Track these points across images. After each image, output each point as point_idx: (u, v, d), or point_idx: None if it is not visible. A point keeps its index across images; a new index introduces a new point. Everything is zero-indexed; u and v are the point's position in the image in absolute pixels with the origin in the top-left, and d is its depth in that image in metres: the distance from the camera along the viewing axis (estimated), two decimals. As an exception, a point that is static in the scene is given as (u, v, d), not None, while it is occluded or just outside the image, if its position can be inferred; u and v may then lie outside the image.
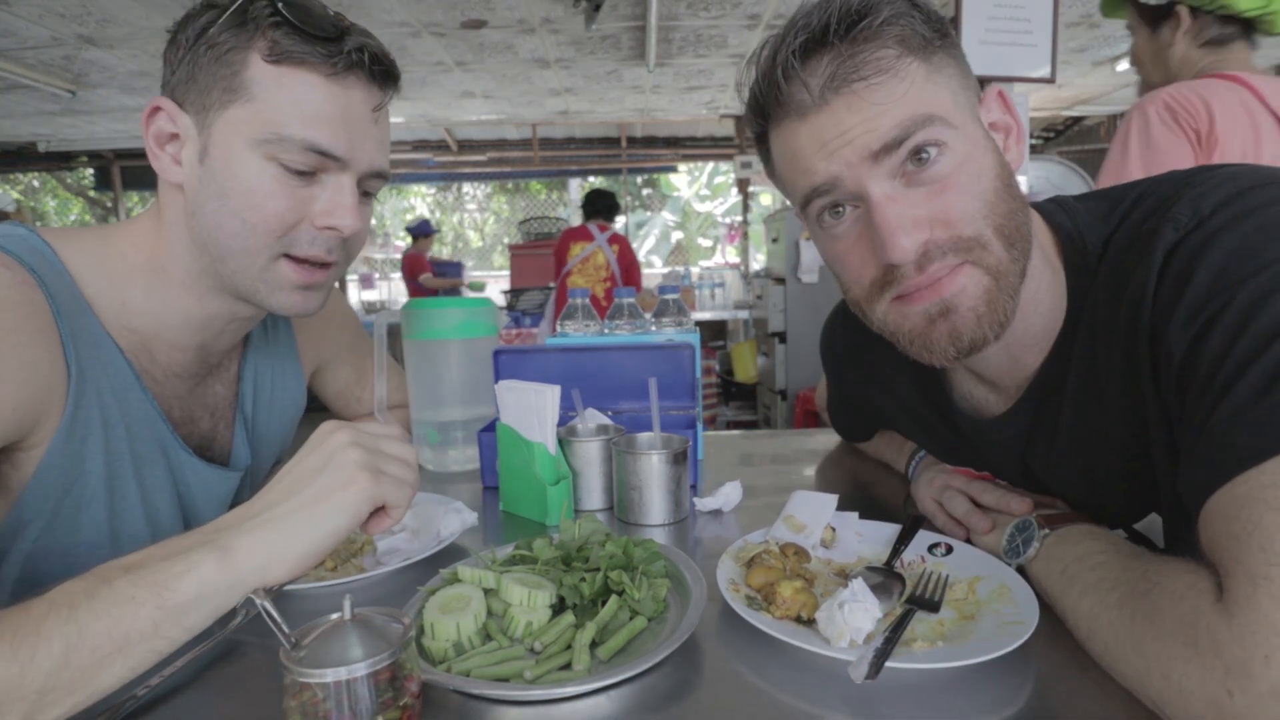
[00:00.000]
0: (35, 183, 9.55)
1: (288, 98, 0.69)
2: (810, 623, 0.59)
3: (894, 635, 0.55)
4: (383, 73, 0.74)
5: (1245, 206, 0.52)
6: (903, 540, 0.74)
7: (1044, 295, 0.65)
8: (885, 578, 0.66)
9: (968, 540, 0.79)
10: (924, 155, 0.58)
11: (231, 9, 0.69)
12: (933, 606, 0.62)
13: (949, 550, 0.71)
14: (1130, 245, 0.59)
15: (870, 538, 0.78)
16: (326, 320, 1.05)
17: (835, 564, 0.74)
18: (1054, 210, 0.67)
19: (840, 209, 0.62)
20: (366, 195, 0.77)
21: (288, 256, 0.74)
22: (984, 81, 2.36)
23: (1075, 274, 0.65)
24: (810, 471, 1.11)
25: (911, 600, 0.63)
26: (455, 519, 0.83)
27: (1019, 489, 0.77)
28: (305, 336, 1.01)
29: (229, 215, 0.70)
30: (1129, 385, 0.59)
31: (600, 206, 4.59)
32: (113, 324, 0.74)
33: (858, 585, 0.58)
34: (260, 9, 0.69)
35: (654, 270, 8.69)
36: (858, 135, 0.57)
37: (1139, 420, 0.59)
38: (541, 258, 6.50)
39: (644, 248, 11.40)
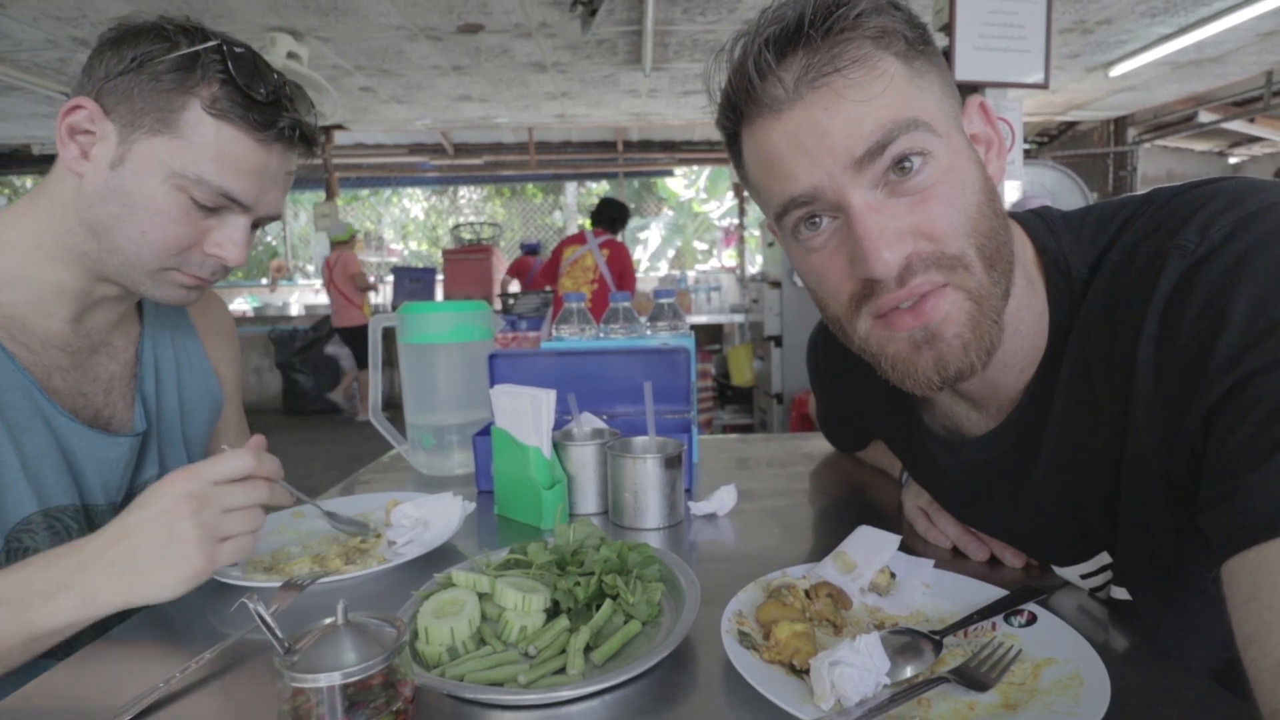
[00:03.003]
0: (29, 185, 9.52)
1: (216, 148, 0.74)
2: (805, 672, 0.52)
3: (882, 707, 0.47)
4: (305, 142, 0.82)
5: (1263, 230, 0.49)
6: (995, 609, 0.61)
7: (1025, 313, 0.62)
8: (913, 638, 0.57)
9: (954, 551, 0.78)
10: (907, 164, 0.55)
11: (184, 52, 0.73)
12: (981, 685, 0.51)
13: (1030, 621, 0.59)
14: (1125, 268, 0.57)
15: (942, 592, 0.66)
16: (226, 343, 1.05)
17: (883, 615, 0.64)
18: (1037, 225, 0.64)
19: (817, 220, 0.58)
20: (254, 227, 0.83)
21: (176, 270, 0.80)
22: (977, 87, 2.37)
23: (1057, 294, 0.62)
24: (806, 475, 1.11)
25: (959, 672, 0.52)
26: (456, 505, 0.84)
27: (981, 536, 0.77)
28: (210, 347, 1.02)
29: (130, 224, 0.75)
30: (1120, 412, 0.56)
31: (604, 216, 4.61)
32: None
33: (865, 644, 0.50)
34: (211, 60, 0.74)
35: (652, 274, 8.69)
36: (838, 140, 0.54)
37: (1121, 449, 0.57)
38: (475, 262, 6.56)
39: (641, 252, 11.41)
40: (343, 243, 6.08)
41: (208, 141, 0.74)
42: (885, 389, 0.74)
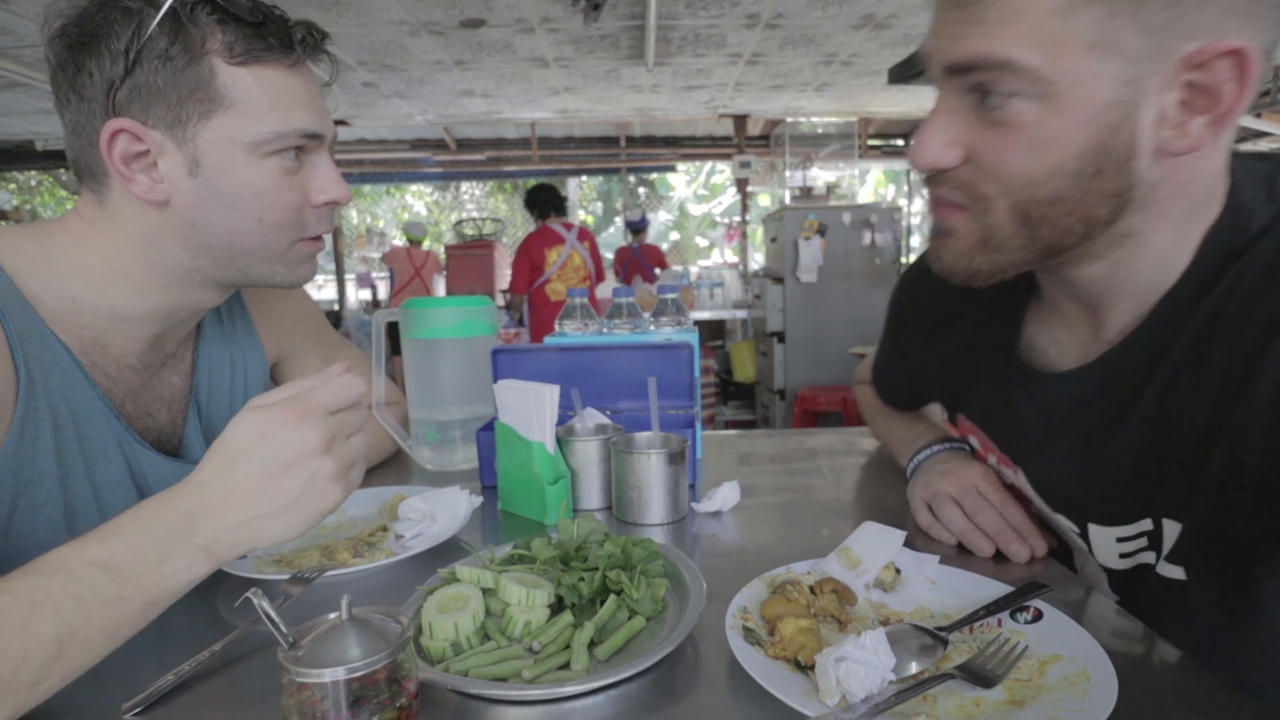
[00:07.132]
0: (33, 182, 9.52)
1: (265, 97, 0.70)
2: (810, 668, 0.53)
3: (888, 703, 0.48)
4: (319, 44, 0.77)
5: None
6: (1001, 605, 0.60)
7: (1147, 252, 0.60)
8: (919, 634, 0.57)
9: (959, 547, 0.78)
10: (990, 99, 0.55)
11: (160, 17, 0.65)
12: (988, 681, 0.51)
13: (1037, 617, 0.59)
14: None
15: (947, 588, 0.66)
16: (286, 308, 1.04)
17: (888, 611, 0.64)
18: (1241, 172, 0.60)
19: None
20: None
21: (300, 240, 0.78)
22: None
23: (1214, 238, 0.58)
24: (810, 471, 1.11)
25: (965, 669, 0.52)
26: (463, 498, 0.85)
27: (1023, 525, 0.75)
28: (266, 326, 0.99)
29: (243, 219, 0.72)
30: (1236, 384, 0.54)
31: (543, 199, 4.57)
32: (59, 322, 0.72)
33: (870, 640, 0.50)
34: (194, 10, 0.67)
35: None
36: (935, 50, 0.58)
37: (1224, 424, 0.56)
38: (478, 258, 6.66)
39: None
40: (418, 242, 6.80)
41: (255, 94, 0.69)
42: (978, 322, 0.76)
